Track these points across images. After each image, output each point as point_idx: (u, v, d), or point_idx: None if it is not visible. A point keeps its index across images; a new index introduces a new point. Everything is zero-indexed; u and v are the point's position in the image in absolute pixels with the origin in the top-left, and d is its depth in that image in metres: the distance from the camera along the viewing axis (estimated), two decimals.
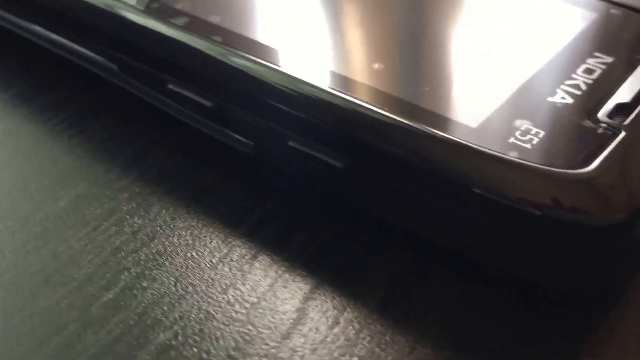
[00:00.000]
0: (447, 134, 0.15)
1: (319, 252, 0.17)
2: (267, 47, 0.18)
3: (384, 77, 0.17)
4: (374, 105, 0.16)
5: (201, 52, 0.18)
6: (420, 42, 0.19)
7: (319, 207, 0.18)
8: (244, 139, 0.18)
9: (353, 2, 0.20)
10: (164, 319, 0.16)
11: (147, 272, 0.16)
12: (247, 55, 0.17)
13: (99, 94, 0.21)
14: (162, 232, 0.17)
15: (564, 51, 0.18)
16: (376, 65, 0.17)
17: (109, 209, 0.18)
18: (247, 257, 0.17)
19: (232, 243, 0.17)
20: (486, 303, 0.16)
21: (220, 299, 0.16)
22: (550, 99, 0.16)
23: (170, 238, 0.17)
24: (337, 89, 0.16)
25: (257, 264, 0.17)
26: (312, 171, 0.17)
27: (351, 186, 0.17)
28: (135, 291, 0.16)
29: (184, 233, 0.17)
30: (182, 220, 0.18)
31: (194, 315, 0.16)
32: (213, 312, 0.16)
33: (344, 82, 0.17)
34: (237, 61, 0.17)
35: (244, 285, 0.16)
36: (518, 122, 0.15)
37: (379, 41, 0.19)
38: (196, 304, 0.16)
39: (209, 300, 0.16)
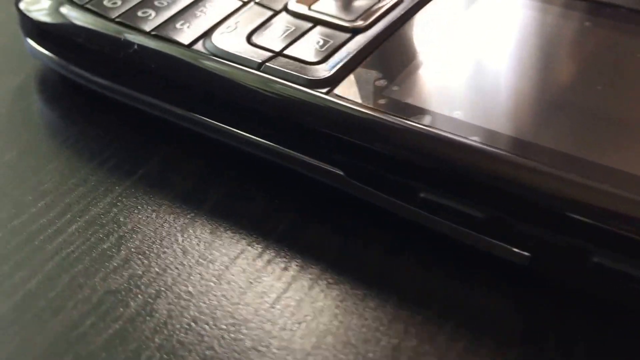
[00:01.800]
0: None
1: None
2: (542, 147, 0.16)
3: None
4: None
5: (462, 157, 0.16)
6: None
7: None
8: (517, 250, 0.16)
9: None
10: None
11: None
12: (523, 159, 0.15)
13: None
14: None
15: None
16: None
17: None
18: None
19: None
20: None
21: None
22: None
23: None
24: None
25: None
26: (625, 291, 0.15)
27: None
28: None
29: None
30: None
31: None
32: None
33: None
34: (514, 167, 0.15)
35: None
36: None
37: None
38: None
39: None
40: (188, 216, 0.18)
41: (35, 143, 0.21)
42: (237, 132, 0.19)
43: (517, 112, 0.18)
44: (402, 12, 0.21)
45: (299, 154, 0.18)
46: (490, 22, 0.21)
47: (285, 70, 0.18)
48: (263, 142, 0.18)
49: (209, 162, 0.20)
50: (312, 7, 0.21)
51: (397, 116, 0.17)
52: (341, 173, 0.18)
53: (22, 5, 0.22)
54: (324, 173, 0.18)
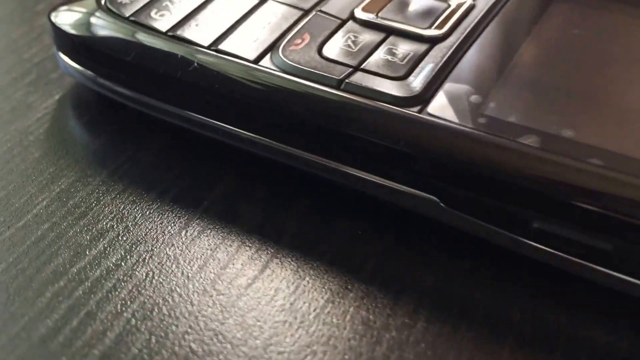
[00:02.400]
0: None
1: None
2: None
3: None
4: None
5: (584, 182, 0.14)
6: None
7: None
8: None
9: None
10: None
11: None
12: None
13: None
14: None
15: None
16: None
17: None
18: None
19: None
20: None
21: None
22: None
23: None
24: None
25: None
26: None
27: None
28: None
29: None
30: None
31: None
32: None
33: None
34: None
35: None
36: None
37: None
38: None
39: None
40: (267, 252, 0.17)
41: (84, 173, 0.19)
42: (315, 158, 0.17)
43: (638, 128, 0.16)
44: (479, 17, 0.19)
45: (387, 181, 0.16)
46: (581, 22, 0.19)
47: (368, 87, 0.17)
48: (346, 169, 0.17)
49: (278, 190, 0.18)
50: (380, 14, 0.19)
51: (503, 137, 0.15)
52: (436, 200, 0.16)
53: (54, 17, 0.20)
54: (416, 201, 0.16)
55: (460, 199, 0.16)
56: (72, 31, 0.20)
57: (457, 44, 0.18)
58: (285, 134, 0.17)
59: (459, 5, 0.20)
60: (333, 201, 0.18)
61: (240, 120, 0.18)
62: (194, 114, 0.18)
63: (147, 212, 0.18)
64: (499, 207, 0.15)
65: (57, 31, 0.20)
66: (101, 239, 0.17)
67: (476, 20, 0.19)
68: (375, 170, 0.17)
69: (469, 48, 0.18)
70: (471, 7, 0.20)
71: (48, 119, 0.21)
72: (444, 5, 0.20)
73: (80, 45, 0.20)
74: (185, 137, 0.19)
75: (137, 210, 0.18)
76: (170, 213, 0.18)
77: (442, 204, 0.16)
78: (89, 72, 0.20)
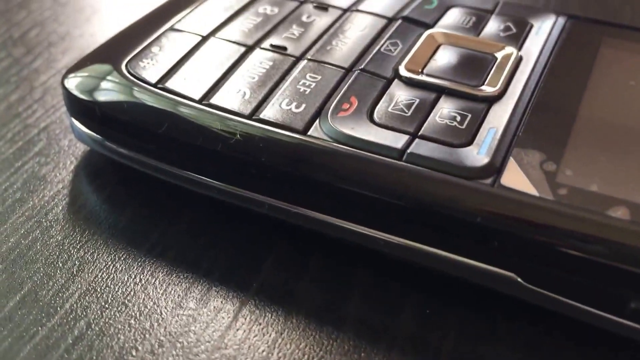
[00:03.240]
0: None
1: None
2: None
3: None
4: None
5: None
6: None
7: None
8: None
9: None
10: None
11: None
12: None
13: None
14: None
15: None
16: None
17: None
18: None
19: None
20: None
21: None
22: None
23: None
24: None
25: None
26: None
27: None
28: None
29: None
30: None
31: None
32: None
33: None
34: None
35: None
36: None
37: None
38: None
39: None
40: (329, 336, 0.15)
41: (116, 256, 0.17)
42: (375, 234, 0.16)
43: None
44: (531, 70, 0.18)
45: (461, 258, 0.15)
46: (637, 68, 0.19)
47: (434, 157, 0.16)
48: (413, 245, 0.16)
49: (334, 265, 0.17)
50: (426, 70, 0.18)
51: (589, 211, 0.14)
52: (517, 278, 0.15)
53: (69, 83, 0.19)
54: (494, 278, 0.15)
55: (543, 275, 0.15)
56: (91, 98, 0.18)
57: (515, 102, 0.17)
58: (343, 209, 0.16)
59: (506, 58, 0.19)
60: (397, 278, 0.17)
61: (290, 195, 0.17)
62: (237, 188, 0.17)
63: (197, 298, 0.16)
64: (589, 284, 0.14)
65: (72, 97, 0.19)
66: (146, 335, 0.15)
67: (529, 74, 0.18)
68: (448, 247, 0.15)
69: (528, 106, 0.17)
70: (519, 59, 0.19)
71: (66, 194, 0.19)
72: (490, 57, 0.19)
73: (102, 114, 0.18)
74: (222, 209, 0.18)
75: (176, 292, 0.16)
76: (217, 298, 0.16)
77: (522, 282, 0.15)
78: (111, 144, 0.18)
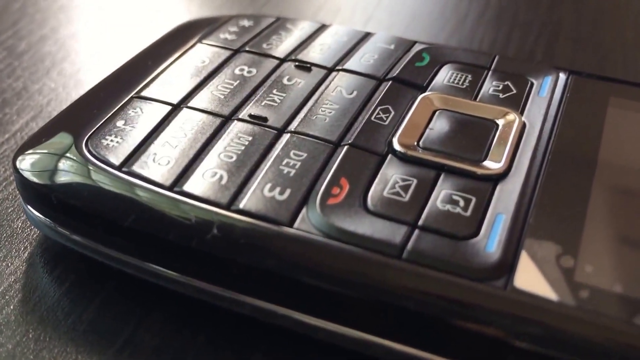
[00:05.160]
0: None
1: None
2: None
3: None
4: None
5: None
6: None
7: None
8: None
9: None
10: None
11: None
12: None
13: None
14: None
15: None
16: None
17: None
18: None
19: None
20: None
21: None
22: None
23: None
24: None
25: None
26: None
27: None
28: None
29: None
30: None
31: None
32: None
33: None
34: None
35: None
36: None
37: None
38: None
39: None
40: None
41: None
42: (374, 340, 0.14)
43: None
44: (537, 141, 0.17)
45: None
46: None
47: (436, 256, 0.14)
48: (418, 355, 0.14)
49: None
50: (422, 143, 0.17)
51: (615, 320, 0.13)
52: None
53: (21, 163, 0.17)
54: None
55: None
56: (46, 182, 0.17)
57: (523, 180, 0.16)
58: (331, 310, 0.15)
59: (509, 125, 0.17)
60: None
61: (278, 296, 0.15)
62: (214, 286, 0.15)
63: None
64: None
65: (25, 182, 0.17)
66: None
67: (534, 145, 0.17)
68: (457, 356, 0.14)
69: (537, 184, 0.16)
70: (523, 127, 0.18)
71: (19, 289, 0.17)
72: (491, 124, 0.18)
73: (58, 201, 0.16)
74: (196, 306, 0.16)
75: None
76: None
77: None
78: (68, 233, 0.17)
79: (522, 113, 0.18)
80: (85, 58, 0.27)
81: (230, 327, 0.16)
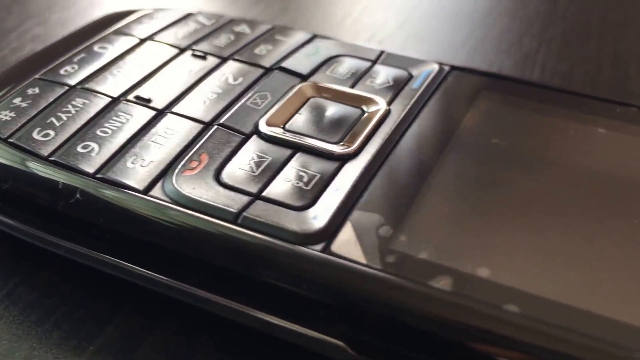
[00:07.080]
0: None
1: None
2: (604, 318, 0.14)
3: None
4: None
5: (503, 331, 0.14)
6: None
7: None
8: None
9: None
10: None
11: None
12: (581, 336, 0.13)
13: None
14: None
15: None
16: None
17: None
18: None
19: None
20: None
21: None
22: None
23: None
24: None
25: None
26: None
27: None
28: None
29: None
30: None
31: None
32: None
33: None
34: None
35: None
36: None
37: None
38: None
39: None
40: None
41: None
42: (212, 297, 0.16)
43: (569, 268, 0.16)
44: (394, 127, 0.19)
45: (292, 325, 0.16)
46: (510, 134, 0.19)
47: (267, 222, 0.16)
48: (247, 311, 0.16)
49: (182, 327, 0.17)
50: (287, 126, 0.19)
51: (409, 279, 0.15)
52: (344, 346, 0.15)
53: None
54: (324, 346, 0.15)
55: (371, 345, 0.15)
56: None
57: (368, 162, 0.18)
58: (178, 271, 0.16)
59: (373, 114, 0.19)
60: (238, 341, 0.17)
61: (130, 255, 0.17)
62: (84, 248, 0.17)
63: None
64: (414, 356, 0.15)
65: None
66: None
67: (390, 132, 0.19)
68: (280, 314, 0.16)
69: (380, 167, 0.18)
70: (386, 115, 0.19)
71: None
72: (357, 112, 0.19)
73: None
74: (73, 268, 0.18)
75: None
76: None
77: (350, 350, 0.15)
78: None
79: (391, 102, 0.20)
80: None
81: (95, 289, 0.18)
